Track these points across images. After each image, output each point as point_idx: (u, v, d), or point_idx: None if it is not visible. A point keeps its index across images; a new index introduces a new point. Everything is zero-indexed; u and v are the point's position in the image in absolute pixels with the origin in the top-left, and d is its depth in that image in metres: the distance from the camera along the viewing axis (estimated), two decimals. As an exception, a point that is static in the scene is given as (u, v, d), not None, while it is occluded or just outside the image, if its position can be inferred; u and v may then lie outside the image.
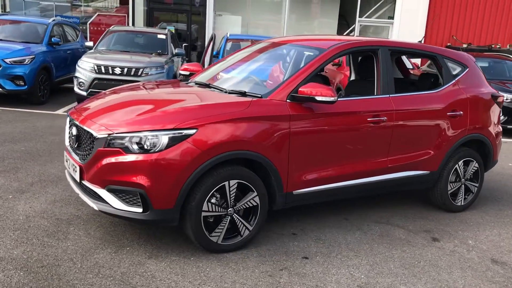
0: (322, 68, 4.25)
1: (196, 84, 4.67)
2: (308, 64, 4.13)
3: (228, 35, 11.02)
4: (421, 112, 4.66)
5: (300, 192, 4.06)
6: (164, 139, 3.42)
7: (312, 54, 4.34)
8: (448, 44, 15.58)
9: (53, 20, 11.30)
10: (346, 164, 4.27)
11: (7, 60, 9.14)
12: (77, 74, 9.39)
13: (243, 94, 4.05)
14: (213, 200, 3.63)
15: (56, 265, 3.39)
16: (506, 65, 11.32)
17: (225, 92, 4.18)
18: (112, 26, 11.61)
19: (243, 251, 3.84)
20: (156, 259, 3.61)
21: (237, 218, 3.77)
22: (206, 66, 7.96)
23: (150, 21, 15.83)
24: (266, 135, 3.76)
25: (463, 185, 5.14)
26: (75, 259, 3.51)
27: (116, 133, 3.48)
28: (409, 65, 10.85)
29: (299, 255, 3.87)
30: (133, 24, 15.08)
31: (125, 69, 9.20)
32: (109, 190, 3.52)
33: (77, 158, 3.83)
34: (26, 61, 9.40)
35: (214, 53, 11.53)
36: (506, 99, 9.45)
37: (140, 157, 3.42)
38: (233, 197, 3.70)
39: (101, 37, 10.90)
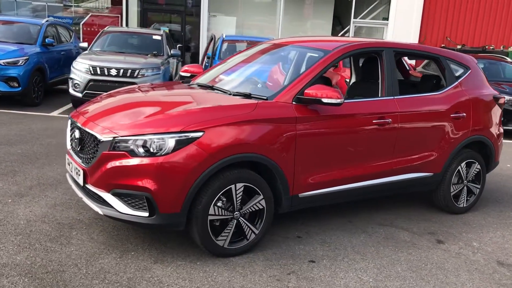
0: (327, 69, 4.21)
1: (198, 86, 4.62)
2: (314, 66, 4.09)
3: (224, 36, 10.96)
4: (425, 114, 4.64)
5: (306, 195, 4.02)
6: (170, 142, 3.37)
7: (316, 55, 4.31)
8: (442, 45, 15.64)
9: (47, 20, 11.19)
10: (352, 166, 4.24)
11: (1, 61, 9.04)
12: (72, 76, 9.29)
13: (247, 96, 4.01)
14: (219, 204, 3.59)
15: (61, 270, 3.33)
16: (501, 66, 11.38)
17: (229, 94, 4.13)
18: (107, 27, 11.52)
19: (249, 255, 3.80)
20: (162, 263, 3.55)
21: (243, 221, 3.72)
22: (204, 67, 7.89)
23: (144, 22, 15.73)
24: (272, 137, 3.72)
25: (465, 187, 5.13)
26: (79, 264, 3.44)
27: (121, 136, 3.43)
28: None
29: (305, 259, 3.83)
30: (126, 25, 14.97)
31: (121, 71, 9.12)
32: (114, 194, 3.46)
33: (80, 161, 3.77)
34: (20, 62, 9.29)
35: (209, 54, 11.49)
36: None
37: (146, 160, 3.36)
38: (239, 201, 3.66)
39: (96, 38, 10.80)
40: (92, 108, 4.10)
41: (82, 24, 15.68)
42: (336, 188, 4.17)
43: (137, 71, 9.16)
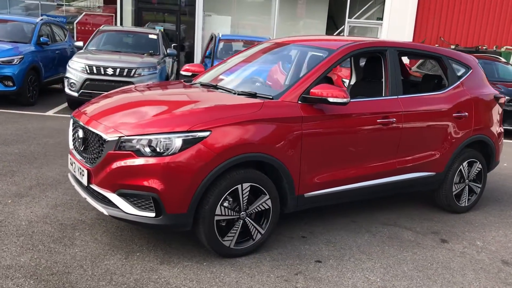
0: (332, 69, 4.20)
1: (201, 85, 4.58)
2: (319, 65, 4.07)
3: (220, 36, 10.91)
4: (428, 114, 4.64)
5: (311, 195, 4.00)
6: (177, 141, 3.33)
7: (321, 55, 4.29)
8: (436, 45, 15.71)
9: (41, 19, 11.07)
10: (357, 166, 4.23)
11: (-4, 60, 8.93)
12: (67, 75, 9.20)
13: (252, 95, 3.98)
14: (225, 204, 3.56)
15: (66, 272, 3.28)
16: (495, 66, 11.44)
17: (234, 93, 4.10)
18: (102, 26, 11.45)
19: (255, 255, 3.77)
20: (169, 264, 3.51)
21: (250, 221, 3.70)
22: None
23: (138, 21, 15.63)
24: (278, 137, 3.69)
25: (467, 186, 5.14)
26: (85, 266, 3.39)
27: (127, 136, 3.38)
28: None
29: (311, 259, 3.81)
30: (121, 24, 14.87)
31: (118, 70, 9.04)
32: (120, 194, 3.42)
33: (83, 161, 3.72)
34: (15, 61, 9.19)
35: (208, 53, 11.44)
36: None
37: (152, 160, 3.32)
38: (246, 201, 3.63)
39: (91, 36, 10.71)
40: (95, 107, 4.05)
41: (76, 23, 15.56)
42: (341, 188, 4.16)
43: (133, 70, 9.10)
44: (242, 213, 3.64)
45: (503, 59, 12.51)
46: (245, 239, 3.74)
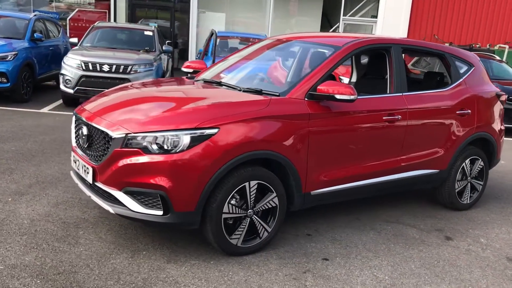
0: (338, 66, 4.17)
1: (205, 82, 4.53)
2: (325, 62, 4.04)
3: (216, 33, 10.83)
4: (432, 111, 4.64)
5: (317, 193, 3.98)
6: (185, 139, 3.28)
7: (326, 51, 4.26)
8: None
9: (35, 15, 10.91)
10: (362, 163, 4.21)
11: (-11, 56, 8.80)
12: (63, 71, 9.09)
13: (258, 92, 3.94)
14: (233, 202, 3.52)
15: (73, 271, 3.22)
16: (490, 64, 11.48)
17: (239, 90, 4.06)
18: (97, 22, 11.31)
19: (262, 254, 3.74)
20: (176, 263, 3.47)
21: (257, 219, 3.66)
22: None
23: (132, 17, 15.50)
24: (286, 134, 3.66)
25: (469, 184, 5.15)
26: (91, 265, 3.34)
27: (134, 133, 3.33)
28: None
29: (318, 257, 3.79)
30: (115, 21, 14.74)
31: (114, 66, 8.95)
32: (127, 192, 3.37)
33: (88, 158, 3.66)
34: (9, 57, 9.06)
35: (200, 50, 11.38)
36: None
37: (160, 157, 3.27)
38: (253, 198, 3.60)
39: (86, 33, 10.60)
40: (98, 103, 3.99)
41: (69, 19, 15.39)
42: (347, 186, 4.14)
43: (130, 67, 9.01)
44: (249, 211, 3.61)
45: (497, 57, 12.58)
46: (252, 237, 3.71)
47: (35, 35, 10.08)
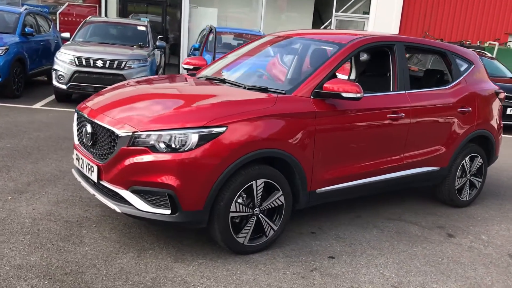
0: (343, 63, 4.16)
1: (208, 79, 4.49)
2: (331, 60, 4.03)
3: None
4: (434, 108, 4.66)
5: (323, 191, 3.97)
6: (193, 137, 3.25)
7: (331, 49, 4.24)
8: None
9: (25, 9, 10.73)
10: (366, 161, 4.22)
11: (-20, 51, 8.65)
12: (55, 67, 8.96)
13: (264, 90, 3.91)
14: (240, 200, 3.50)
15: (80, 272, 3.18)
16: (482, 61, 11.57)
17: (244, 87, 4.03)
18: (89, 17, 11.16)
19: (268, 252, 3.73)
20: (183, 262, 3.44)
21: (263, 218, 3.65)
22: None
23: (124, 12, 15.33)
24: (293, 132, 3.64)
25: (468, 181, 5.19)
26: (98, 265, 3.30)
27: (141, 131, 3.28)
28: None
29: (324, 255, 3.79)
30: (105, 15, 14.57)
31: (107, 62, 8.85)
32: (133, 191, 3.33)
33: (92, 157, 3.61)
34: (0, 52, 8.90)
35: (197, 45, 11.31)
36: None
37: (168, 156, 3.24)
38: (260, 197, 3.58)
39: (78, 28, 10.45)
40: (101, 100, 3.93)
41: (59, 14, 15.17)
42: (351, 184, 4.14)
43: (124, 62, 8.92)
44: (256, 209, 3.59)
45: (488, 54, 12.69)
46: (258, 236, 3.69)
47: (26, 30, 9.93)
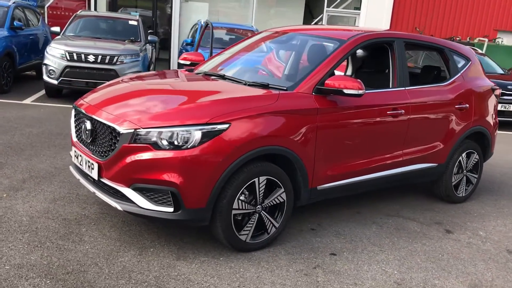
0: (344, 60, 4.14)
1: (206, 75, 4.45)
2: (332, 56, 4.01)
3: (202, 23, 10.70)
4: (433, 105, 4.67)
5: (324, 187, 3.97)
6: (197, 134, 3.21)
7: (332, 45, 4.22)
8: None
9: (14, 2, 10.54)
10: (367, 158, 4.22)
11: (-32, 45, 8.48)
12: (46, 62, 8.82)
13: (265, 86, 3.88)
14: (242, 198, 3.47)
15: (82, 271, 3.14)
16: (473, 57, 11.64)
17: (244, 84, 3.99)
18: (80, 11, 11.01)
19: (269, 249, 3.71)
20: (185, 260, 3.41)
21: (265, 215, 3.63)
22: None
23: (113, 6, 15.15)
24: (295, 129, 3.62)
25: (464, 177, 5.22)
26: (100, 263, 3.25)
27: (143, 128, 3.24)
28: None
29: (326, 252, 3.78)
30: (95, 9, 14.39)
31: (99, 57, 8.74)
32: (135, 189, 3.29)
33: (92, 154, 3.55)
34: (-12, 46, 8.75)
35: (189, 40, 11.23)
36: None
37: (170, 153, 3.20)
38: (262, 194, 3.56)
39: (69, 22, 10.31)
40: (100, 95, 3.87)
41: (47, 7, 14.95)
42: (351, 180, 4.14)
43: (116, 57, 8.80)
44: (258, 206, 3.57)
45: (479, 50, 12.78)
46: (260, 233, 3.68)
47: (14, 23, 9.76)
